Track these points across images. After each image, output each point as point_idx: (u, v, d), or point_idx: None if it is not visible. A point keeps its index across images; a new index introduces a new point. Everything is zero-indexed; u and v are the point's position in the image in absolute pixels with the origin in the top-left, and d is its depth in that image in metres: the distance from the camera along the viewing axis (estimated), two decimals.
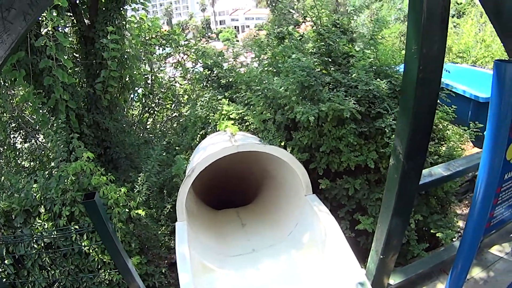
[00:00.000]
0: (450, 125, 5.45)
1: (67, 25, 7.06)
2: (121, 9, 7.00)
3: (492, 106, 2.58)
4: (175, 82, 9.88)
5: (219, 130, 5.41)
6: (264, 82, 5.28)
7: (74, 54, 7.27)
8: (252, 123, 5.31)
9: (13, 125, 7.95)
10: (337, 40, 5.23)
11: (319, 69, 4.98)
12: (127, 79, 7.50)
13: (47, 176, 5.03)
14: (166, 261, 5.57)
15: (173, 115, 9.93)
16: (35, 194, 4.66)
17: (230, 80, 6.77)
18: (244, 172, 6.10)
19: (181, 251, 3.74)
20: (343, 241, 3.72)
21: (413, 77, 2.42)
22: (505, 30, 2.95)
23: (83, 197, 2.96)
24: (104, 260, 4.55)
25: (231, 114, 5.59)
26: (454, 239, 4.54)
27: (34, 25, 5.34)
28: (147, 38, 8.80)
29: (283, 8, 6.29)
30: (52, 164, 5.54)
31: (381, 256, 3.38)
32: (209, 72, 7.50)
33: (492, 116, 2.59)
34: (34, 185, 4.74)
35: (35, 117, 6.93)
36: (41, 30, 5.50)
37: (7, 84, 6.71)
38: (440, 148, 5.01)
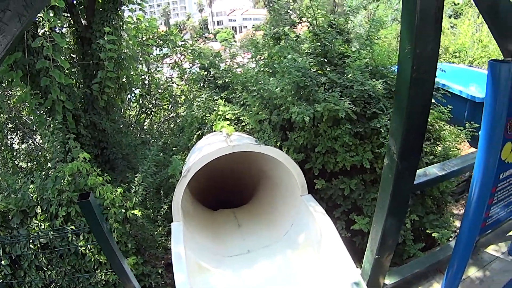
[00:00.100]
0: (447, 125, 5.46)
1: (64, 26, 7.05)
2: (118, 9, 7.01)
3: (486, 106, 2.60)
4: (172, 83, 9.89)
5: (215, 131, 5.41)
6: (260, 82, 5.29)
7: (71, 54, 7.28)
8: (248, 123, 5.30)
9: (10, 125, 7.97)
10: (333, 40, 5.25)
11: (314, 70, 4.98)
12: (124, 79, 7.51)
13: (43, 176, 5.03)
14: (163, 262, 5.57)
15: (170, 115, 9.93)
16: (31, 195, 4.65)
17: (227, 80, 6.78)
18: (241, 173, 6.10)
19: (176, 251, 3.74)
20: (339, 241, 3.73)
21: (406, 77, 2.42)
22: (500, 30, 2.95)
23: (78, 197, 2.96)
24: (100, 260, 4.55)
25: (227, 114, 5.59)
26: (450, 239, 4.54)
27: (31, 26, 5.36)
28: (144, 38, 8.81)
29: (279, 8, 6.29)
30: (49, 164, 5.54)
31: (376, 256, 3.39)
32: (206, 72, 7.49)
33: (487, 115, 2.61)
34: (31, 186, 4.75)
35: (32, 117, 6.94)
36: (38, 31, 5.49)
37: (4, 85, 6.72)
38: (436, 148, 5.02)
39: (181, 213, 4.25)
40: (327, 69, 5.08)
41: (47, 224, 4.56)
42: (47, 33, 5.46)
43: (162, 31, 9.60)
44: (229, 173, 6.07)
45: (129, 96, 9.23)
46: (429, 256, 4.37)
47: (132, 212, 4.80)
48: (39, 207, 4.61)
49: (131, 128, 9.07)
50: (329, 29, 5.44)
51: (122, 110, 8.99)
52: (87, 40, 6.83)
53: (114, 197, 4.66)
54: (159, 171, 6.17)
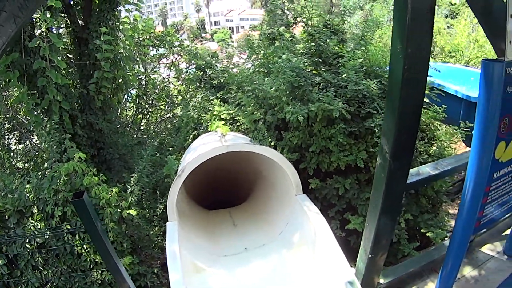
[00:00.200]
0: (442, 125, 5.48)
1: (61, 26, 7.05)
2: (115, 10, 7.00)
3: (480, 105, 2.60)
4: (169, 83, 9.90)
5: (210, 131, 5.42)
6: (255, 82, 5.31)
7: (68, 55, 7.26)
8: (243, 123, 5.32)
9: (8, 126, 7.96)
10: (327, 40, 5.26)
11: (309, 70, 5.00)
12: (120, 80, 7.50)
13: (40, 176, 5.04)
14: (158, 261, 5.58)
15: (167, 115, 9.94)
16: (28, 195, 4.68)
17: (222, 80, 6.79)
18: (236, 172, 6.10)
19: (171, 250, 3.73)
20: (333, 241, 3.73)
21: (398, 77, 2.43)
22: (493, 30, 2.97)
23: (72, 196, 2.98)
24: (96, 260, 4.56)
25: (222, 114, 5.61)
26: (445, 238, 4.55)
27: (28, 26, 5.36)
28: (140, 39, 8.82)
29: (274, 9, 6.31)
30: (46, 165, 5.54)
31: (370, 255, 3.39)
32: (202, 73, 7.50)
33: (480, 115, 2.61)
34: (27, 186, 4.77)
35: (29, 118, 6.94)
36: (35, 31, 5.49)
37: (1, 85, 6.73)
38: (430, 147, 5.04)
39: (177, 212, 4.26)
40: (322, 69, 5.10)
41: (43, 223, 4.58)
42: (44, 33, 5.46)
43: (159, 31, 9.61)
44: (224, 173, 6.07)
45: (125, 96, 9.25)
46: (423, 256, 4.38)
47: (128, 212, 4.81)
48: (35, 207, 4.64)
49: (128, 128, 9.07)
50: (324, 29, 5.47)
51: (119, 110, 8.99)
52: (84, 41, 6.82)
53: (110, 197, 4.68)
54: (155, 171, 6.18)
